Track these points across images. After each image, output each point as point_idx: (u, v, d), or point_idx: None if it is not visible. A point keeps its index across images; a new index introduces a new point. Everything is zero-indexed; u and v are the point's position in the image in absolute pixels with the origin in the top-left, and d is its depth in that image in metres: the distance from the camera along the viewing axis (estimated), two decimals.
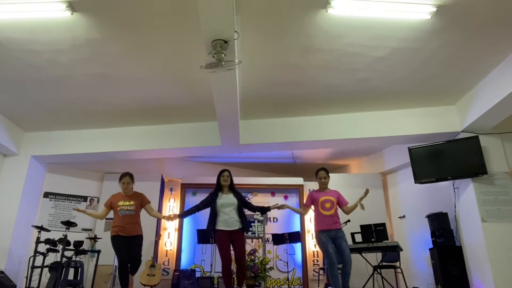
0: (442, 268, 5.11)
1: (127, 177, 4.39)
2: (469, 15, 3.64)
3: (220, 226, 4.15)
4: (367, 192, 4.15)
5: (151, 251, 6.65)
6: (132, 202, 4.32)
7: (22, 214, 5.85)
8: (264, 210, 4.37)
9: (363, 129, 5.68)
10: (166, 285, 6.47)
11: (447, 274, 5.07)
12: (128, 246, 4.21)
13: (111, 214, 4.46)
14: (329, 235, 4.14)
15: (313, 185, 7.54)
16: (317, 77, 4.77)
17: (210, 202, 4.29)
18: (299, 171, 8.49)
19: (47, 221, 6.40)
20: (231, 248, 4.17)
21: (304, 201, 4.59)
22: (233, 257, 4.19)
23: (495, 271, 4.61)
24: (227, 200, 4.24)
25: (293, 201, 7.48)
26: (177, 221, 7.04)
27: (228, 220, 4.16)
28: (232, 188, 4.37)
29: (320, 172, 4.43)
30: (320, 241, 4.16)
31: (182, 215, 4.92)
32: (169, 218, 4.52)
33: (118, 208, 4.28)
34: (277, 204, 4.40)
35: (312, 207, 4.43)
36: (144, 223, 6.74)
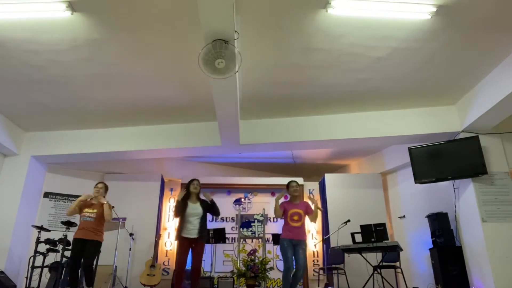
0: (442, 268, 5.10)
1: (102, 183, 4.80)
2: (469, 16, 3.64)
3: (184, 233, 4.45)
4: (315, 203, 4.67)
5: (151, 251, 6.66)
6: (95, 210, 4.58)
7: (22, 214, 5.85)
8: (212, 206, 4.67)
9: (363, 129, 5.68)
10: (166, 285, 6.47)
11: (447, 274, 5.07)
12: (83, 249, 4.39)
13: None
14: (291, 242, 4.46)
15: (313, 185, 7.55)
16: (317, 77, 4.77)
17: (183, 210, 4.56)
18: (299, 171, 8.49)
19: (47, 221, 6.40)
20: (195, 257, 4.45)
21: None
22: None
23: (495, 271, 4.60)
24: (193, 210, 4.54)
25: None
26: (177, 221, 7.01)
27: (192, 229, 4.46)
28: (198, 196, 4.68)
29: (291, 182, 4.75)
30: (282, 247, 4.50)
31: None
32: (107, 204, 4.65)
33: (82, 214, 4.57)
34: None
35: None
36: (144, 223, 6.83)
